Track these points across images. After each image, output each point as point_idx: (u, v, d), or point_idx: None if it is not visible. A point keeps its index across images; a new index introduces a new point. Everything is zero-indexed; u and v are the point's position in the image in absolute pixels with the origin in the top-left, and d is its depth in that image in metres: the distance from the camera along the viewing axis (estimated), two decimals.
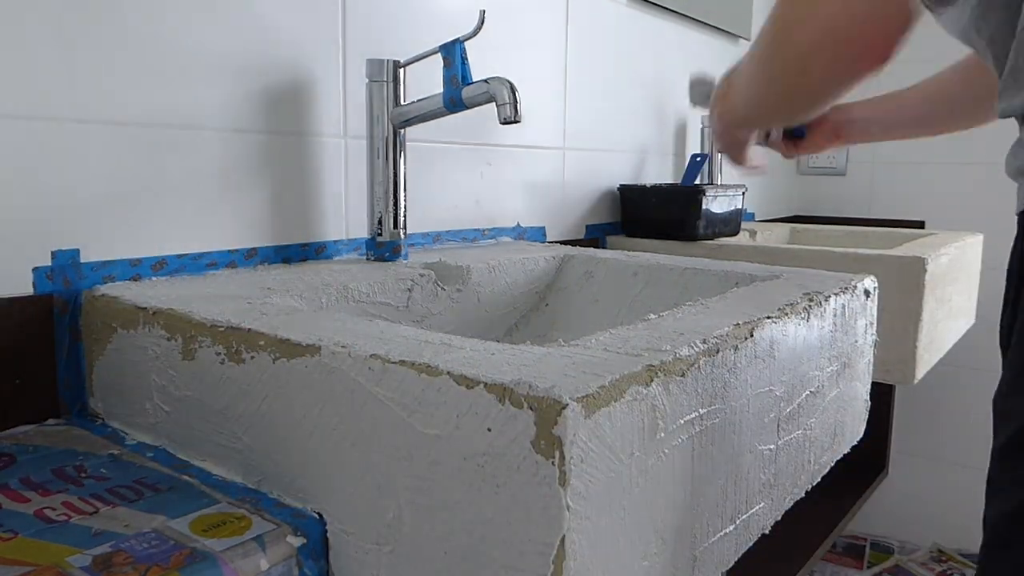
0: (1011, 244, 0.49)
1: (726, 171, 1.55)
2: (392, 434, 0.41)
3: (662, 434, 0.41)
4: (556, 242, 1.14)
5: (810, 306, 0.61)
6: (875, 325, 0.75)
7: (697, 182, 1.39)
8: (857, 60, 0.54)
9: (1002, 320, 0.51)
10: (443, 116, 0.75)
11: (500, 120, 0.69)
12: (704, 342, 0.47)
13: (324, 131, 0.80)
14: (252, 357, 0.48)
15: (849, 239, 1.51)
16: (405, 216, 0.81)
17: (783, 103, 0.63)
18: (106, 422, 0.60)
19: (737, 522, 0.52)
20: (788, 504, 0.61)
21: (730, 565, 0.52)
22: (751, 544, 0.55)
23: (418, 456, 0.40)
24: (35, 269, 0.59)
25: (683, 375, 0.43)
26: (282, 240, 0.78)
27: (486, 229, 1.02)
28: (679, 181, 1.45)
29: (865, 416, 0.77)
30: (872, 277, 0.75)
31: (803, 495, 0.64)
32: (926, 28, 0.52)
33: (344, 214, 0.83)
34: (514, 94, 0.68)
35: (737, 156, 0.80)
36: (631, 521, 0.40)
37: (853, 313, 0.69)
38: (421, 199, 0.92)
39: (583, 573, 0.36)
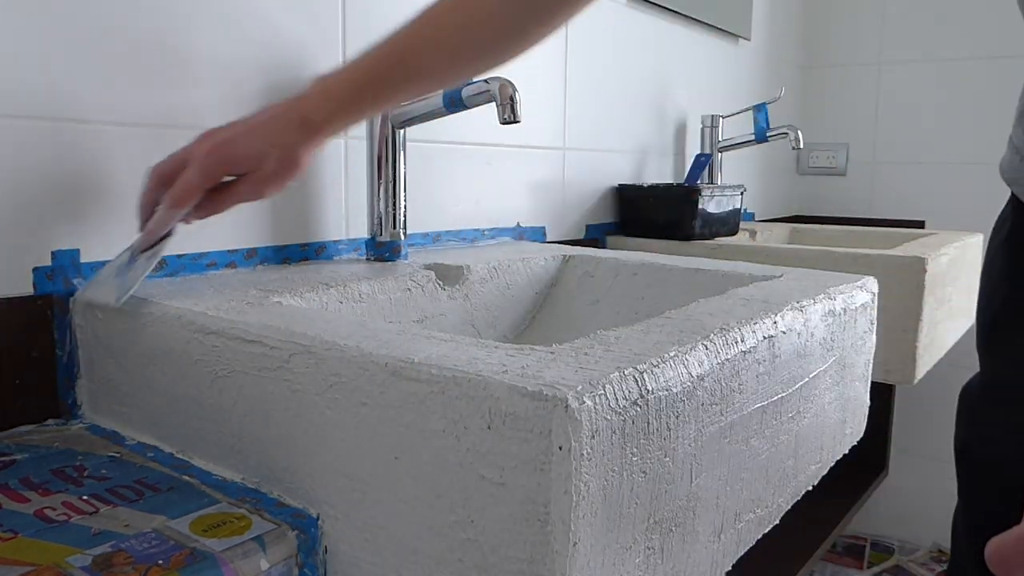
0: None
1: (726, 171, 1.55)
2: (392, 433, 0.41)
3: (662, 434, 0.41)
4: (556, 242, 1.14)
5: (810, 306, 0.61)
6: (875, 325, 0.75)
7: (699, 182, 1.39)
8: None
9: None
10: (443, 116, 0.75)
11: (500, 120, 0.69)
12: (704, 342, 0.47)
13: None
14: (252, 357, 0.48)
15: (849, 239, 1.51)
16: (405, 216, 0.81)
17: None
18: (106, 422, 0.60)
19: (737, 522, 0.52)
20: (788, 504, 0.61)
21: (730, 565, 0.52)
22: (751, 544, 0.55)
23: (418, 455, 0.40)
24: (35, 269, 0.59)
25: (683, 375, 0.43)
26: (282, 240, 0.78)
27: (486, 229, 1.02)
28: (679, 181, 1.45)
29: (865, 416, 0.77)
30: (872, 277, 0.75)
31: (803, 495, 0.64)
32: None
33: (344, 214, 0.83)
34: (514, 94, 0.68)
35: None
36: (631, 520, 0.40)
37: (853, 313, 0.69)
38: (421, 199, 0.92)
39: (584, 572, 0.36)
